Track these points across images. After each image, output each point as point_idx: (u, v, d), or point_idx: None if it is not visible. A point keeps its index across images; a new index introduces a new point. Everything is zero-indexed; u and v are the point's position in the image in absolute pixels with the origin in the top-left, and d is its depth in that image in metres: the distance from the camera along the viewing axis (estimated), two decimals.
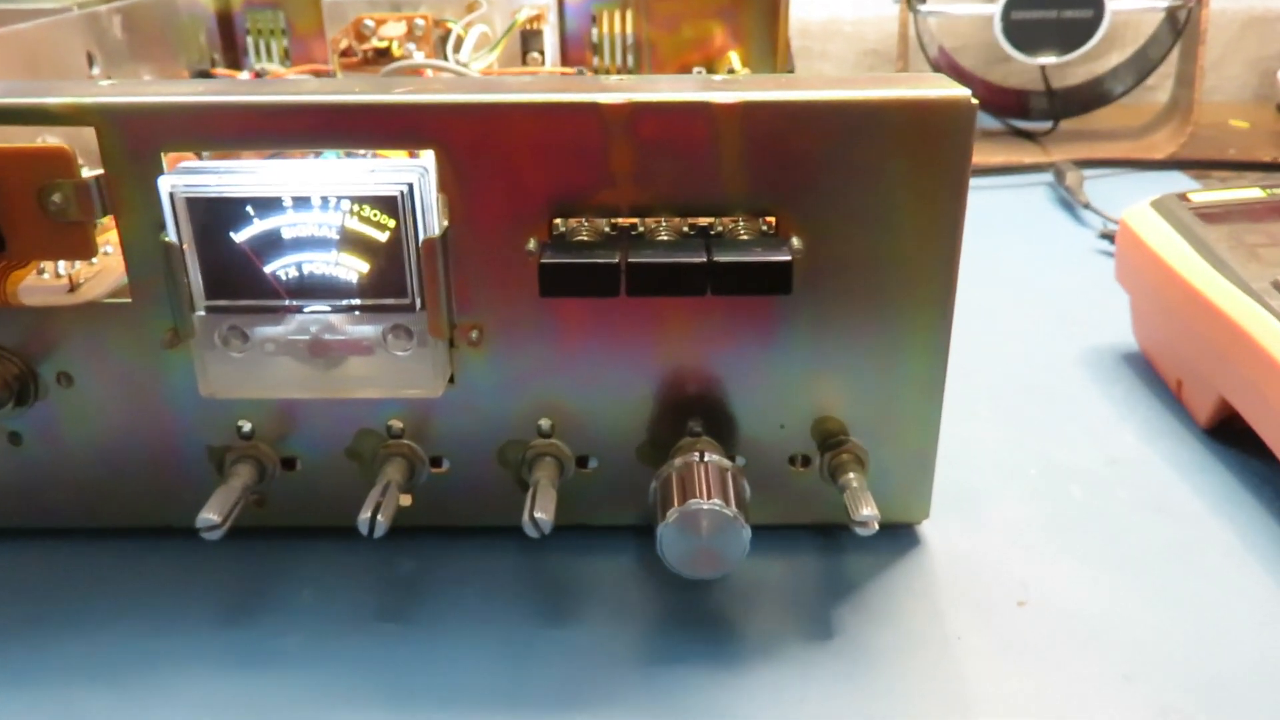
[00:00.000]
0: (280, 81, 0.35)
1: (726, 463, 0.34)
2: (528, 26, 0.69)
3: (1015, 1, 0.77)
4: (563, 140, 0.32)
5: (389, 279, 0.33)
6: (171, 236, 0.32)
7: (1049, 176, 0.78)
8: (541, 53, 0.70)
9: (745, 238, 0.32)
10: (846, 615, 0.34)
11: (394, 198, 0.32)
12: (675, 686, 0.31)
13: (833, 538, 0.38)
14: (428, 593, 0.35)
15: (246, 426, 0.36)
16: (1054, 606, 0.34)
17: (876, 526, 0.33)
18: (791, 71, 0.73)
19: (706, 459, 0.34)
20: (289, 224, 0.33)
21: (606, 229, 0.33)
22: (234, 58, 0.74)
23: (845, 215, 0.33)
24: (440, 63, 0.62)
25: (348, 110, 0.32)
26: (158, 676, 0.32)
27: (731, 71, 0.64)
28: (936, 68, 0.92)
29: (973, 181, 0.33)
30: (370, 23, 0.67)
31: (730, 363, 0.35)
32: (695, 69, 0.60)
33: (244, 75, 0.65)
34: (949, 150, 0.32)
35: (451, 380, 0.35)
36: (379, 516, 0.33)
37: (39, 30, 0.51)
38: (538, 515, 0.33)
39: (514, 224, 0.33)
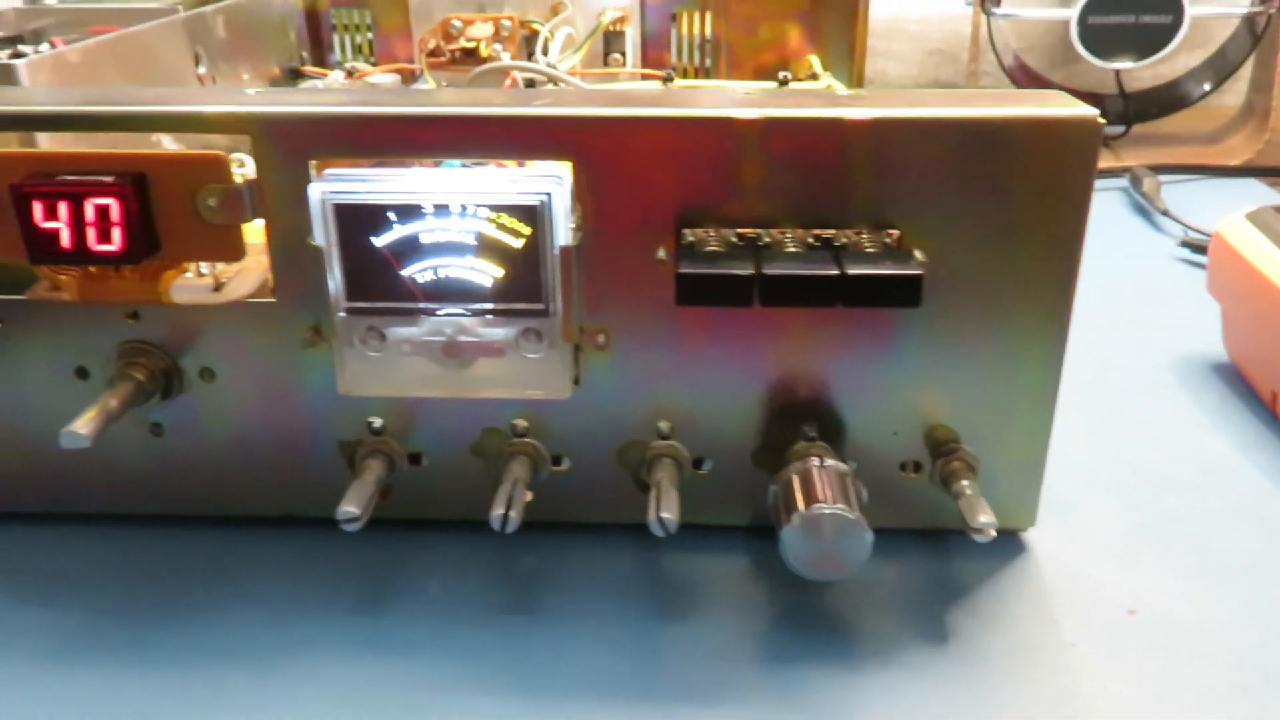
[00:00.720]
0: (422, 92, 0.36)
1: (845, 467, 0.35)
2: (611, 28, 0.70)
3: (1092, 6, 0.77)
4: (695, 153, 0.33)
5: (523, 284, 0.34)
6: (319, 240, 0.33)
7: (1123, 181, 0.78)
8: (623, 54, 0.71)
9: (871, 250, 0.33)
10: (960, 620, 0.35)
11: (534, 207, 0.33)
12: (796, 684, 0.32)
13: (939, 542, 0.38)
14: (549, 587, 0.36)
15: (377, 422, 0.37)
16: (1164, 616, 0.35)
17: (994, 533, 0.34)
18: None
19: (826, 464, 0.35)
20: (427, 229, 0.34)
21: (733, 239, 0.34)
22: (319, 55, 0.76)
23: (968, 229, 0.33)
24: (530, 64, 0.63)
25: (490, 122, 0.33)
26: (297, 661, 0.33)
27: (814, 76, 0.65)
28: (1009, 72, 0.92)
29: None
30: (458, 23, 0.69)
31: (847, 370, 0.36)
32: (781, 74, 0.61)
33: (336, 74, 0.66)
34: (1073, 167, 0.33)
35: (576, 382, 0.36)
36: (511, 513, 0.34)
37: (152, 32, 0.52)
38: (664, 515, 0.34)
39: (643, 233, 0.34)
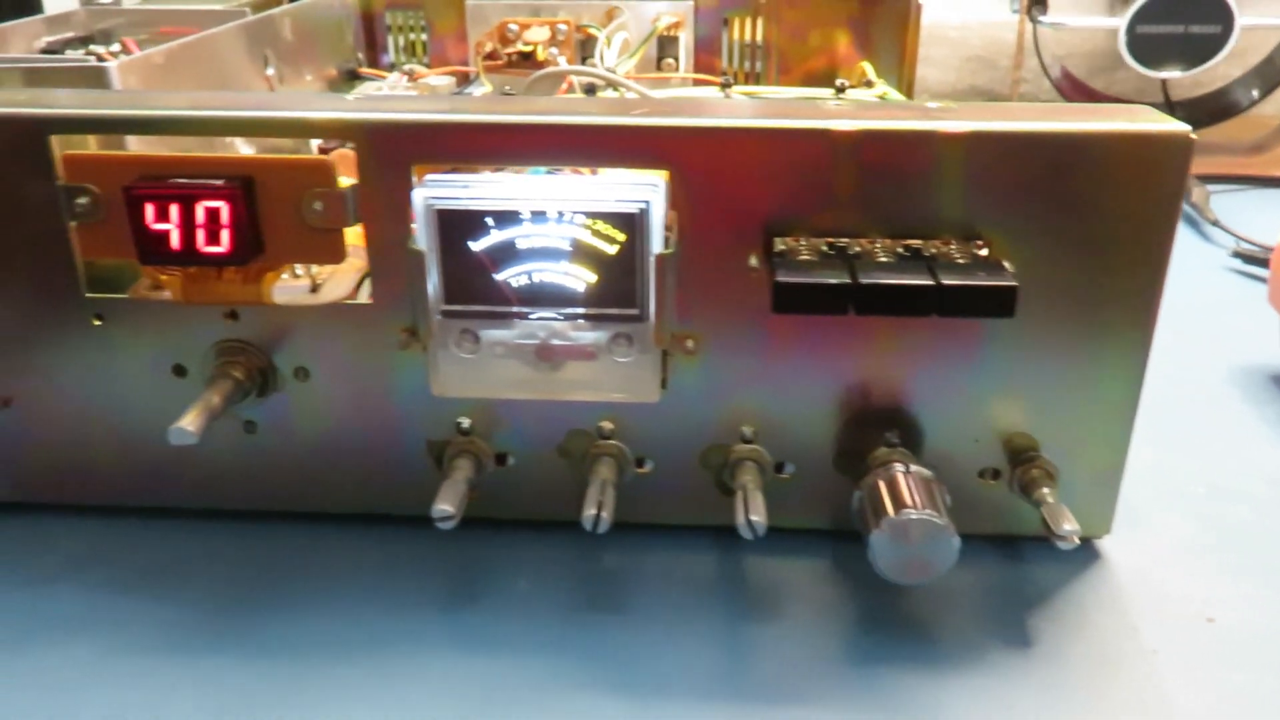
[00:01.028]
0: (520, 101, 0.37)
1: (929, 473, 0.36)
2: (665, 33, 0.71)
3: (1141, 15, 0.77)
4: (790, 163, 0.34)
5: (616, 290, 0.35)
6: (420, 245, 0.34)
7: None
8: (676, 58, 0.72)
9: (961, 261, 0.34)
10: (1041, 625, 0.35)
11: (632, 214, 0.34)
12: (886, 686, 0.33)
13: (1014, 548, 0.39)
14: (635, 586, 0.37)
15: (466, 423, 0.38)
16: (1242, 625, 0.35)
17: (1077, 541, 0.34)
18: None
19: (912, 469, 0.35)
20: (524, 235, 0.35)
21: (824, 248, 0.35)
22: (373, 56, 0.77)
23: (1056, 241, 0.34)
24: (590, 69, 0.63)
25: (590, 131, 0.34)
26: (399, 655, 0.34)
27: (869, 83, 0.65)
28: (1056, 82, 0.92)
29: None
30: (514, 27, 0.69)
31: (931, 378, 0.36)
32: (838, 81, 0.61)
33: (395, 75, 0.67)
34: (1163, 182, 0.33)
35: (664, 386, 0.37)
36: (603, 513, 0.35)
37: (228, 34, 0.53)
38: (753, 518, 0.35)
39: (734, 241, 0.35)
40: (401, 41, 0.77)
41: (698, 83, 0.71)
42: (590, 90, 0.60)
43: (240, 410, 0.38)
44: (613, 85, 0.59)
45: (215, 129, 0.35)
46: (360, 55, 0.74)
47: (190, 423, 0.34)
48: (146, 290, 0.38)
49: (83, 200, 0.34)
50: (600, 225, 0.34)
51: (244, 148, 0.43)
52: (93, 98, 0.36)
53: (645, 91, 0.57)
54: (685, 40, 0.71)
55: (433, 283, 0.35)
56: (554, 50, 0.69)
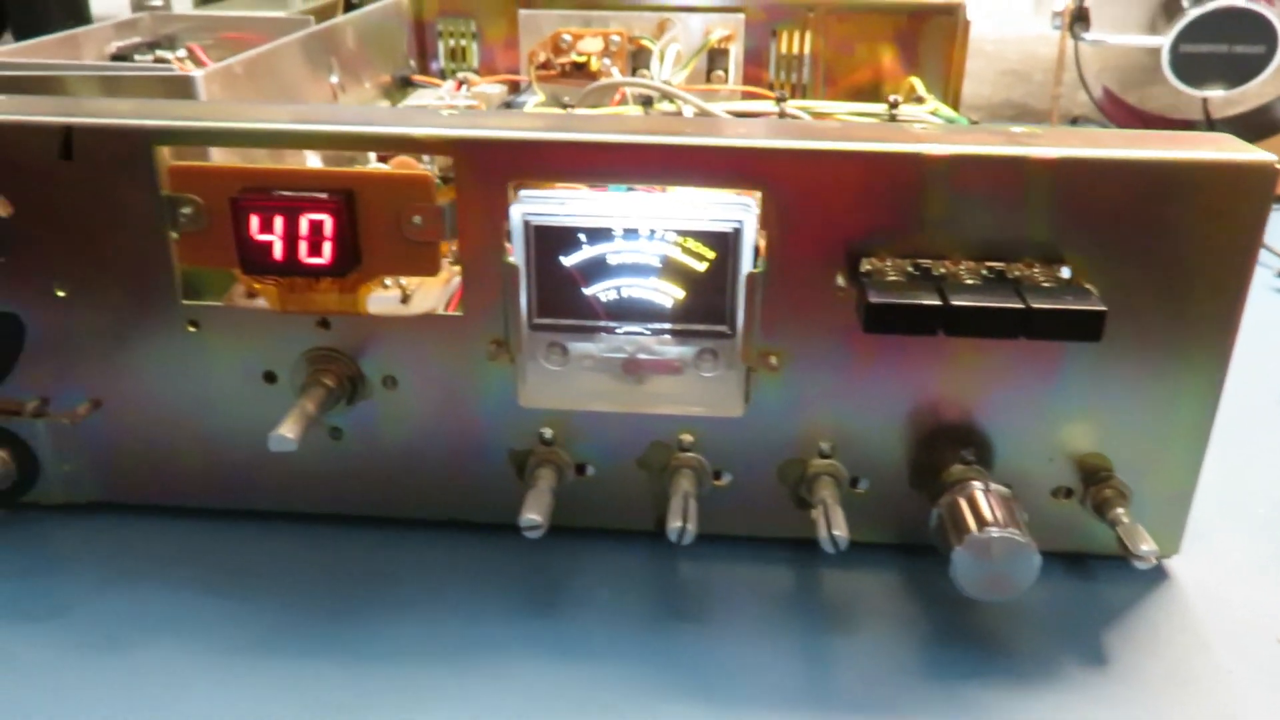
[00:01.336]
0: (614, 118, 0.38)
1: (1007, 491, 0.36)
2: (717, 45, 0.71)
3: (1185, 34, 0.78)
4: (881, 186, 0.34)
5: (704, 306, 0.36)
6: (516, 259, 0.35)
7: None
8: (726, 70, 0.72)
9: (1046, 285, 0.34)
10: (1114, 642, 0.36)
11: (726, 234, 0.34)
12: (964, 700, 0.34)
13: (1082, 565, 0.40)
14: (713, 597, 0.38)
15: (548, 433, 0.39)
16: None
17: (1155, 561, 0.35)
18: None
19: (992, 488, 0.36)
20: (615, 251, 0.35)
21: (909, 268, 0.35)
22: (423, 64, 0.77)
23: (1138, 266, 0.35)
24: (646, 81, 0.64)
25: (686, 151, 0.34)
26: (485, 661, 0.35)
27: (919, 99, 0.66)
28: (1098, 102, 0.93)
29: None
30: (568, 37, 0.70)
31: (1009, 398, 0.37)
32: (891, 97, 0.62)
33: (449, 83, 0.68)
34: (1247, 211, 0.34)
35: (746, 400, 0.37)
36: (688, 525, 0.36)
37: (300, 43, 0.54)
38: (836, 534, 0.35)
39: (821, 260, 0.35)
40: (448, 47, 0.78)
41: (748, 95, 0.71)
42: (647, 102, 0.61)
43: (327, 417, 0.38)
44: (669, 97, 0.60)
45: (319, 143, 0.35)
46: (412, 62, 0.75)
47: (290, 430, 0.34)
48: (240, 298, 0.38)
49: (186, 210, 0.35)
50: (691, 243, 0.35)
51: (312, 159, 0.44)
52: (197, 109, 0.37)
53: (703, 105, 0.58)
54: (735, 53, 0.72)
55: (524, 296, 0.36)
56: (607, 61, 0.70)
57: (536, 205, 0.35)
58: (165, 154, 0.35)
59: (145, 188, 0.35)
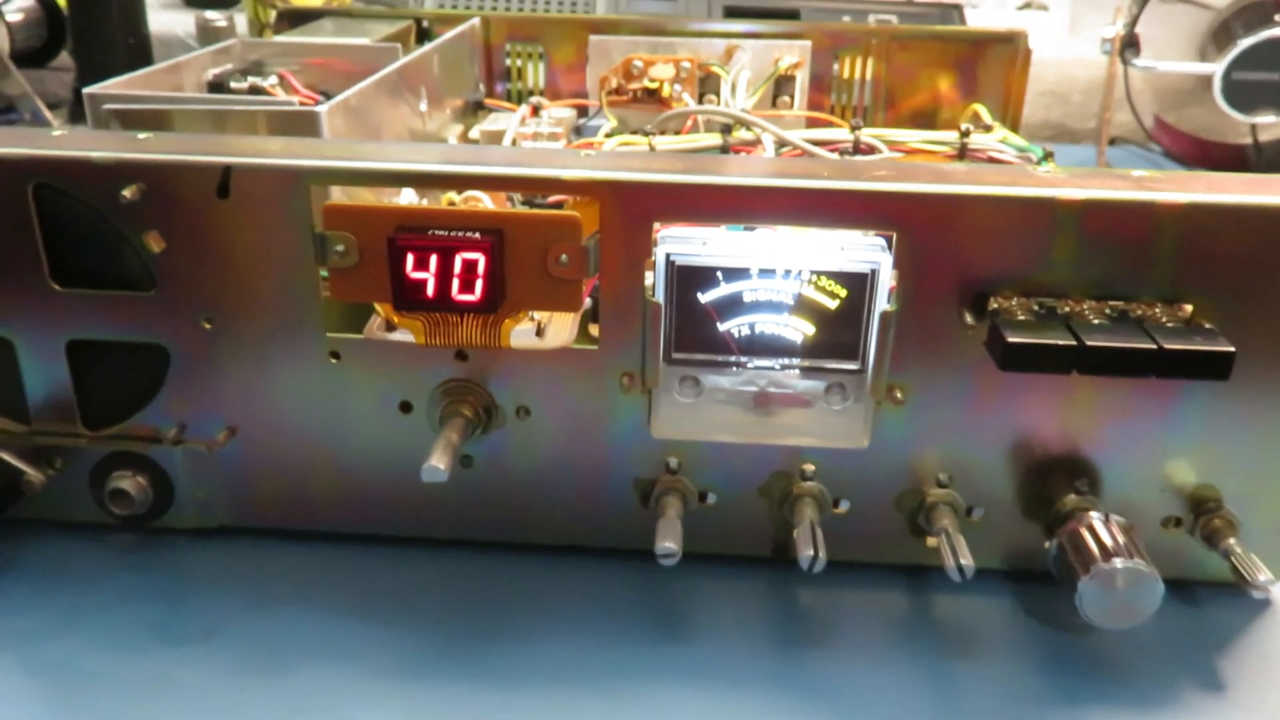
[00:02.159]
0: (750, 161, 0.39)
1: (1125, 521, 0.37)
2: (785, 73, 0.73)
3: (1238, 62, 0.79)
4: (1013, 228, 0.35)
5: (835, 342, 0.37)
6: (658, 296, 0.36)
7: None
8: (792, 96, 0.74)
9: (1170, 325, 0.36)
10: (1228, 670, 0.37)
11: (864, 274, 0.36)
12: None
13: (1189, 592, 0.41)
14: (835, 622, 0.39)
15: (674, 463, 0.40)
16: None
17: (1271, 590, 0.36)
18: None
19: (1112, 519, 0.37)
20: (751, 289, 0.37)
21: (1035, 307, 0.36)
22: (489, 86, 0.79)
23: (1257, 306, 0.36)
24: (722, 110, 0.66)
25: (824, 194, 0.35)
26: (627, 687, 0.36)
27: (988, 127, 0.67)
28: (1150, 132, 0.95)
29: None
30: (639, 63, 0.72)
31: (1124, 431, 0.38)
32: (964, 126, 0.63)
33: (523, 108, 0.69)
34: None
35: (870, 433, 0.39)
36: (819, 554, 0.37)
37: (396, 74, 0.55)
38: (963, 563, 0.36)
39: (950, 298, 0.37)
40: (515, 68, 0.79)
41: (814, 121, 0.73)
42: (726, 130, 0.62)
43: (460, 445, 0.40)
44: (745, 125, 0.62)
45: (471, 184, 0.37)
46: (481, 85, 0.77)
47: (440, 461, 0.36)
48: (377, 330, 0.40)
49: (339, 248, 0.36)
50: (825, 281, 0.36)
51: (408, 194, 0.45)
52: (348, 149, 0.38)
53: (782, 133, 0.59)
54: (801, 79, 0.74)
55: (663, 331, 0.37)
56: (678, 87, 0.71)
57: (680, 245, 0.36)
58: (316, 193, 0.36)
59: (298, 225, 0.37)
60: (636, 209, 0.36)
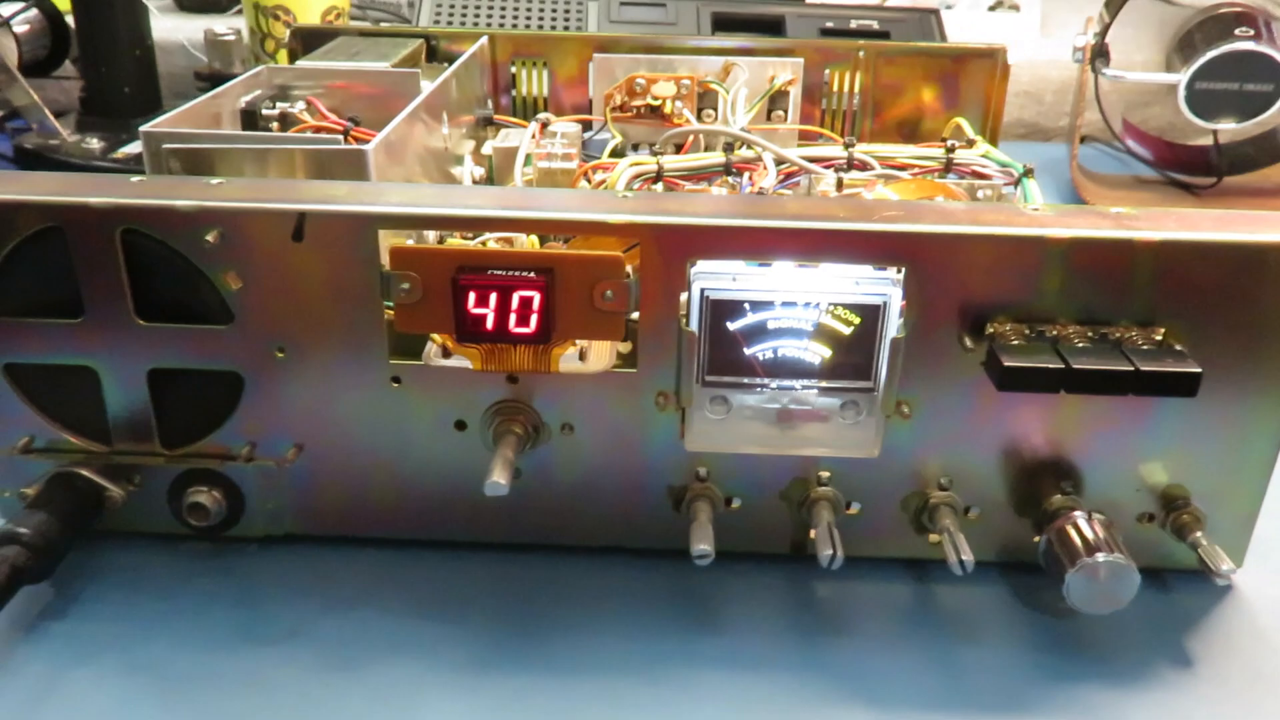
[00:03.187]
0: (776, 203, 0.43)
1: (1105, 518, 0.42)
2: (780, 89, 0.77)
3: (1200, 73, 0.84)
4: (1008, 262, 0.40)
5: (849, 364, 0.42)
6: (693, 327, 0.40)
7: None
8: (785, 110, 0.78)
9: (1145, 347, 0.40)
10: (1195, 646, 0.42)
11: (876, 305, 0.40)
12: (1083, 700, 0.40)
13: (1160, 579, 0.46)
14: (851, 612, 0.44)
15: (703, 471, 0.44)
16: None
17: (1234, 578, 0.41)
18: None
19: (1094, 517, 0.42)
20: (775, 317, 0.41)
21: (1026, 331, 0.41)
22: (496, 98, 0.82)
23: (1222, 328, 0.41)
24: (724, 128, 0.70)
25: (842, 235, 0.40)
26: (674, 675, 0.40)
27: (971, 143, 0.71)
28: (1119, 134, 1.00)
29: None
30: (642, 81, 0.75)
31: (1104, 439, 0.43)
32: (949, 142, 0.68)
33: (532, 125, 0.72)
34: None
35: (880, 443, 0.43)
36: (838, 553, 0.41)
37: (424, 104, 0.59)
38: (964, 558, 0.41)
39: (952, 324, 0.41)
40: (519, 86, 0.83)
41: (806, 134, 0.77)
42: (729, 148, 0.66)
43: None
44: (747, 144, 0.66)
45: (524, 227, 0.41)
46: (489, 102, 0.80)
47: (500, 476, 0.40)
48: (434, 356, 0.43)
49: (405, 285, 0.40)
50: (841, 311, 0.41)
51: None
52: (410, 195, 0.42)
53: (780, 151, 0.64)
54: (794, 94, 0.78)
55: (696, 357, 0.41)
56: (679, 104, 0.75)
57: (712, 281, 0.40)
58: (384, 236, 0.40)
59: (366, 264, 0.40)
60: (674, 249, 0.40)
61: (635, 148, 0.76)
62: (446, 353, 0.43)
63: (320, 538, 0.46)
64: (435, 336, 0.43)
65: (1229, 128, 0.87)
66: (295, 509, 0.46)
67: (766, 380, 0.42)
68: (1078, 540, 0.41)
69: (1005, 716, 0.39)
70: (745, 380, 0.42)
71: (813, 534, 0.44)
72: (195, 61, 1.12)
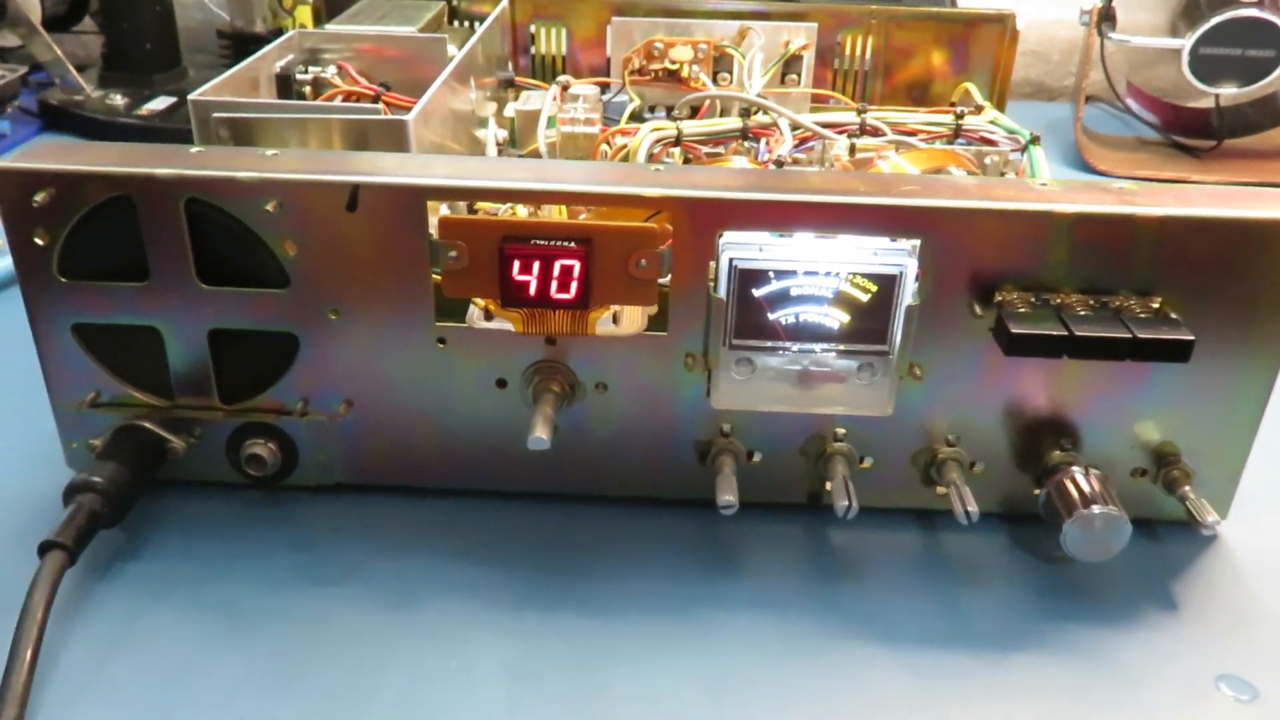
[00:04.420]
0: (799, 177, 0.45)
1: (1101, 473, 0.46)
2: (794, 54, 0.79)
3: (1204, 38, 0.86)
4: (1017, 235, 0.43)
5: (868, 329, 0.44)
6: (722, 294, 0.43)
7: None
8: (799, 74, 0.80)
9: (1143, 315, 0.43)
10: (1182, 591, 0.46)
11: (893, 275, 0.43)
12: (1077, 639, 0.43)
13: (1150, 529, 0.49)
14: (863, 557, 0.47)
15: (727, 428, 0.47)
16: None
17: (1219, 530, 0.45)
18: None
19: (1090, 471, 0.45)
20: (797, 285, 0.44)
21: (1031, 299, 0.44)
22: (515, 58, 0.84)
23: (1215, 298, 0.44)
24: (737, 93, 0.72)
25: (862, 208, 0.42)
26: (704, 615, 0.44)
27: (980, 108, 0.73)
28: (1121, 96, 1.01)
29: None
30: (660, 45, 0.77)
31: (1101, 399, 0.46)
32: (958, 108, 0.70)
33: (553, 88, 0.74)
34: None
35: (893, 403, 0.46)
36: (853, 504, 0.45)
37: (455, 70, 0.61)
38: (969, 509, 0.45)
39: (962, 292, 0.44)
40: (538, 48, 0.84)
41: (819, 98, 0.79)
42: (745, 114, 0.68)
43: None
44: (763, 109, 0.68)
45: (565, 200, 0.43)
46: (510, 64, 0.82)
47: (542, 432, 0.43)
48: (477, 318, 0.46)
49: (452, 254, 0.43)
50: (858, 279, 0.44)
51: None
52: (458, 167, 0.44)
53: (796, 117, 0.66)
54: (808, 59, 0.80)
55: (724, 322, 0.44)
56: (696, 68, 0.77)
57: (740, 251, 0.43)
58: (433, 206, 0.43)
59: (416, 233, 0.43)
60: (704, 221, 0.43)
61: (652, 110, 0.78)
62: (489, 316, 0.46)
63: (368, 487, 0.49)
64: (478, 300, 0.46)
65: (1231, 92, 0.89)
66: (345, 461, 0.49)
67: (789, 344, 0.45)
68: (1075, 493, 0.44)
69: (1005, 653, 0.42)
70: (769, 344, 0.45)
71: (829, 486, 0.47)
72: (212, 17, 1.13)
